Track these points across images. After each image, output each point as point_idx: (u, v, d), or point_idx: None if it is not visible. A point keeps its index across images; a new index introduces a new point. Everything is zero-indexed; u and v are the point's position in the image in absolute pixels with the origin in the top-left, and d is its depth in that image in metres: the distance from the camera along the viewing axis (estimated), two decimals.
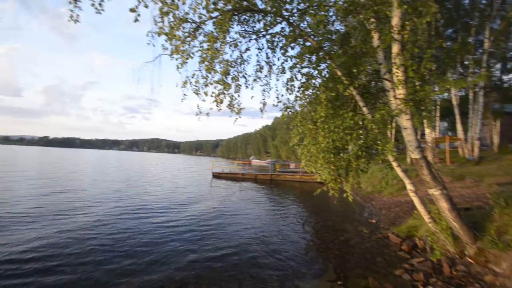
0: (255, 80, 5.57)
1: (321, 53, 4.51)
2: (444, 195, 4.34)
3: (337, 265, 5.06)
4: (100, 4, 3.38)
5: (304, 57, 4.39)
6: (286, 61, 4.80)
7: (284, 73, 4.93)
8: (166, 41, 3.99)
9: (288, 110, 5.20)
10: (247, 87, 5.49)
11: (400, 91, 4.19)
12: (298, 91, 4.66)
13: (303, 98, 4.70)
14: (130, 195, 11.33)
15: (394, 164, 5.05)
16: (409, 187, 5.12)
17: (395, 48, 4.11)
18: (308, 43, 4.70)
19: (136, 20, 3.46)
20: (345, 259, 5.46)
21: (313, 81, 4.74)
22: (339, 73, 4.48)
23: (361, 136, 4.43)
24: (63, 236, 5.78)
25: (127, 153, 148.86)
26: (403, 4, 3.67)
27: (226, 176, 22.12)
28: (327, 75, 4.73)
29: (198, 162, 57.57)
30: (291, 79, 4.65)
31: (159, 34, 3.90)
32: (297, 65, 4.51)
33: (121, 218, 7.48)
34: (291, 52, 4.75)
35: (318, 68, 4.56)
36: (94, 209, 8.48)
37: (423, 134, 16.03)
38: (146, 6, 3.60)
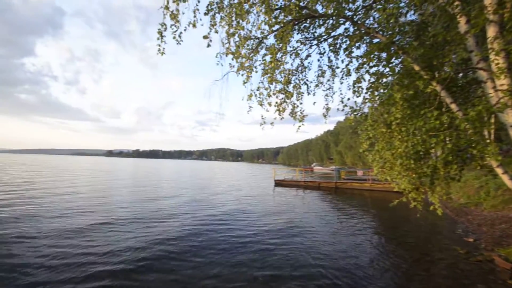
0: (317, 85, 5.48)
1: (392, 48, 4.10)
2: None
3: None
4: (179, 36, 3.96)
5: (372, 55, 4.08)
6: (351, 62, 4.56)
7: (350, 75, 4.68)
8: (232, 59, 4.35)
9: (355, 113, 4.87)
10: (309, 93, 5.44)
11: (503, 81, 3.42)
12: (366, 93, 4.32)
13: (373, 99, 4.32)
14: (201, 202, 12.47)
15: (499, 171, 4.08)
16: None
17: (492, 31, 3.41)
18: (375, 40, 4.35)
19: (209, 45, 3.91)
20: (435, 283, 4.63)
21: (384, 80, 4.33)
22: (416, 68, 3.96)
23: (451, 138, 3.77)
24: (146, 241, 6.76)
25: (198, 162, 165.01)
26: None
27: (288, 183, 21.99)
28: (401, 72, 4.25)
29: (260, 169, 59.11)
30: (358, 81, 4.36)
31: (226, 54, 4.28)
32: (364, 65, 4.21)
33: (192, 225, 8.04)
34: (356, 52, 4.49)
35: (390, 65, 4.14)
36: (169, 214, 9.68)
37: None
38: (216, 32, 4.05)
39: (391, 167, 4.45)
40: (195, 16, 3.85)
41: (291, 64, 5.15)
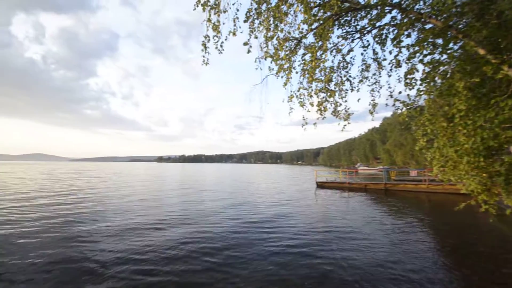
0: (361, 81, 5.18)
1: (449, 33, 3.65)
2: None
3: None
4: (221, 46, 4.15)
5: (426, 42, 3.68)
6: (401, 52, 4.18)
7: (400, 66, 4.30)
8: (271, 62, 4.37)
9: (408, 107, 4.43)
10: (352, 90, 5.16)
11: None
12: (421, 84, 3.91)
13: (430, 91, 3.88)
14: (244, 205, 12.74)
15: None
16: None
17: None
18: (428, 26, 3.92)
19: (249, 51, 4.01)
20: None
21: (441, 68, 3.86)
22: (482, 52, 3.45)
23: None
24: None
25: (239, 165, 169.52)
26: None
27: (331, 185, 21.09)
28: (462, 58, 3.74)
29: (300, 171, 57.96)
30: (410, 71, 3.97)
31: (265, 58, 4.32)
32: (417, 54, 3.82)
33: (235, 229, 8.30)
34: (406, 41, 4.10)
35: (448, 52, 3.68)
36: (211, 218, 10.08)
37: None
38: (256, 37, 4.13)
39: (454, 166, 3.92)
40: (235, 25, 3.99)
41: (332, 61, 4.96)
